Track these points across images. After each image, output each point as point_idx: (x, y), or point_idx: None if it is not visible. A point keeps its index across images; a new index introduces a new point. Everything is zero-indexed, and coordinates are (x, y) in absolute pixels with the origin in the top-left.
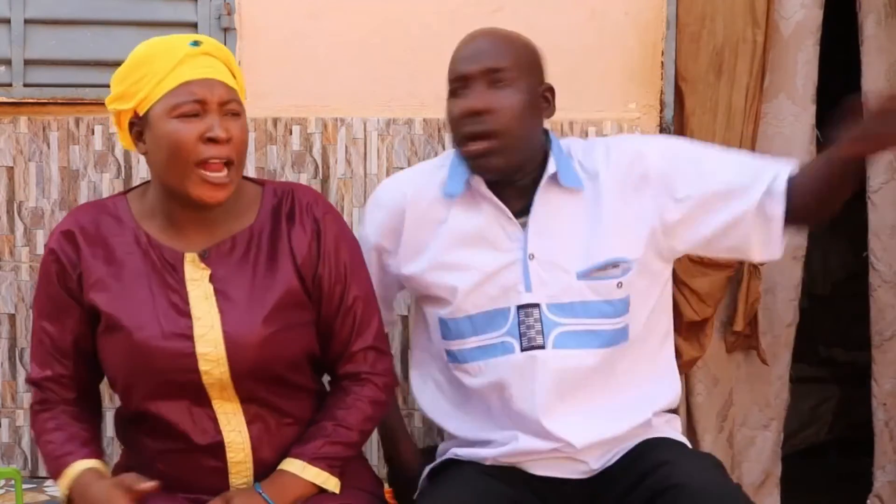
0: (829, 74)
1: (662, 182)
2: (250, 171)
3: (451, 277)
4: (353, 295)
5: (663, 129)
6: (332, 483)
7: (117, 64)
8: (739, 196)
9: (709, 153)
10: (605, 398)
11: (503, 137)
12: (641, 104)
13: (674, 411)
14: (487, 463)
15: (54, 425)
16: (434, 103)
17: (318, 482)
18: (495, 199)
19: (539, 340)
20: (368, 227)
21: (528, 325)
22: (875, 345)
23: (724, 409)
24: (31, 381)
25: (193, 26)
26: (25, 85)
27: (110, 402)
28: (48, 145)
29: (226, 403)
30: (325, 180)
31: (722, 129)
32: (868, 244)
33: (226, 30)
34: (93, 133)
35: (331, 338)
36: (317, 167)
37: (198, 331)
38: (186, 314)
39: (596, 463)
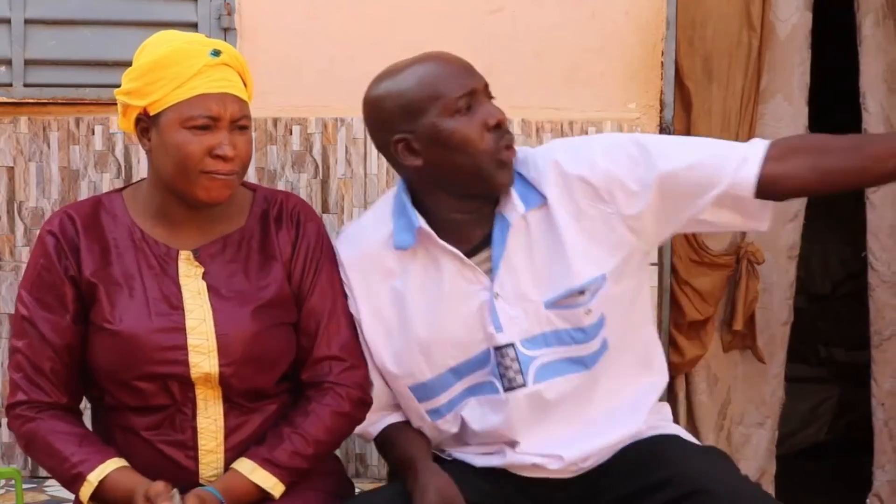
0: (823, 77)
1: (613, 193)
2: (250, 171)
3: (417, 340)
4: (316, 301)
5: (663, 130)
6: (278, 489)
7: (117, 64)
8: (703, 190)
9: (658, 145)
10: (594, 412)
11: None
12: (641, 104)
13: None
14: (477, 466)
15: (59, 429)
16: None
17: (265, 486)
18: (449, 246)
19: (519, 380)
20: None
21: (505, 366)
22: (874, 344)
23: (723, 408)
24: (18, 379)
25: (193, 26)
26: (26, 85)
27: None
28: (48, 145)
29: (208, 391)
30: (325, 180)
31: (717, 131)
32: (867, 244)
33: (226, 30)
34: (93, 133)
35: (298, 340)
36: (317, 167)
37: (190, 323)
38: (179, 308)
39: (585, 462)
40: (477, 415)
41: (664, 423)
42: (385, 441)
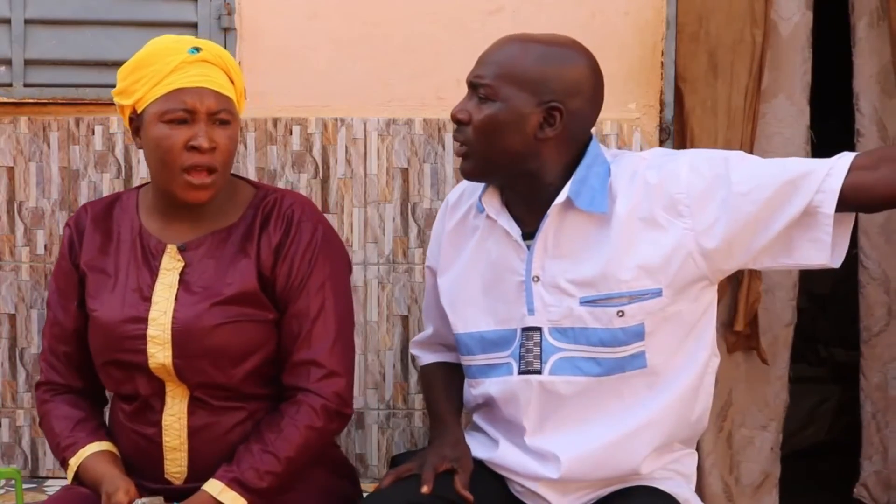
0: (821, 77)
1: (692, 208)
2: (250, 171)
3: (462, 294)
4: (303, 303)
5: (663, 129)
6: None
7: (117, 64)
8: (785, 204)
9: (742, 163)
10: (604, 423)
11: (472, 148)
12: (641, 104)
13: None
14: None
15: (61, 412)
16: (434, 103)
17: None
18: (503, 218)
19: (536, 365)
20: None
21: (527, 349)
22: (863, 340)
23: (723, 410)
24: (41, 361)
25: (193, 26)
26: (26, 85)
27: None
28: (48, 145)
29: (176, 389)
30: (325, 180)
31: (723, 128)
32: (857, 243)
33: (226, 30)
34: (93, 133)
35: (280, 342)
36: (317, 167)
37: (152, 314)
38: (147, 299)
39: (579, 469)
40: (497, 394)
41: (674, 475)
42: (427, 375)
